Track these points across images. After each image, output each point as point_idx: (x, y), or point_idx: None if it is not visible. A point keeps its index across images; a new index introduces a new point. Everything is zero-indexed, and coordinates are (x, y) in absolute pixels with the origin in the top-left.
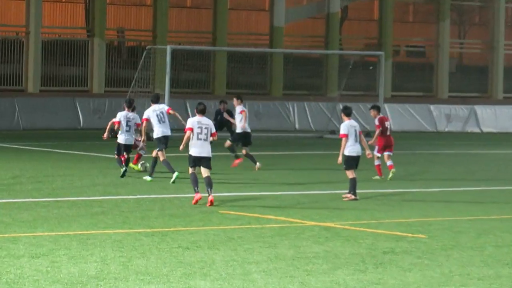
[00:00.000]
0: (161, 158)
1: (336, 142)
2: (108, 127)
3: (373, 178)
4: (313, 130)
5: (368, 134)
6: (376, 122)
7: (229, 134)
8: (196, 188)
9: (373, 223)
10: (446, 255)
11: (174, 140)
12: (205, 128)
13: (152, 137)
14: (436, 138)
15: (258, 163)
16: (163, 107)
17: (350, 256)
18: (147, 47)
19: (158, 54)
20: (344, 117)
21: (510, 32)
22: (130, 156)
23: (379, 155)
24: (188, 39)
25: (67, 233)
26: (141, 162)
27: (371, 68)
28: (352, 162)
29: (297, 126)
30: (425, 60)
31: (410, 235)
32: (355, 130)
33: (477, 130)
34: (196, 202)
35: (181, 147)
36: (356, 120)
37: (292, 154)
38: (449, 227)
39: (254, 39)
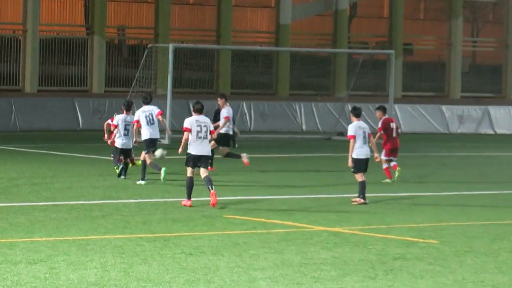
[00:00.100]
0: (148, 161)
1: (344, 144)
2: (105, 128)
3: (382, 181)
4: (320, 131)
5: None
6: (379, 124)
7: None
8: (189, 194)
9: (383, 228)
10: (459, 261)
11: (175, 141)
12: (204, 126)
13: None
14: (448, 140)
15: (244, 155)
16: (153, 109)
17: (359, 262)
18: (148, 46)
19: (160, 52)
20: (353, 118)
21: None
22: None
23: (386, 158)
24: (191, 37)
25: (65, 238)
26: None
27: (358, 64)
28: (360, 165)
29: (304, 127)
30: (437, 59)
31: (421, 240)
32: (364, 132)
33: (490, 131)
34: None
35: (180, 149)
36: (365, 121)
37: (299, 157)
38: (462, 232)
39: (259, 37)
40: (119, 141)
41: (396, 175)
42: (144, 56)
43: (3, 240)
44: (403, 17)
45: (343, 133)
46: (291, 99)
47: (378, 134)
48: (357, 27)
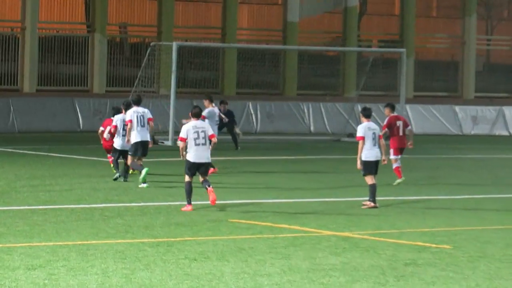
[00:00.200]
0: (128, 162)
1: (354, 146)
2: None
3: (394, 184)
4: (329, 133)
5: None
6: (385, 121)
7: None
8: (188, 199)
9: (394, 233)
10: (472, 267)
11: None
12: (202, 131)
13: (158, 140)
14: (462, 142)
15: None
16: (146, 112)
17: (370, 268)
18: (151, 44)
19: (163, 51)
20: (363, 119)
21: None
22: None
23: (395, 157)
24: (195, 35)
25: (65, 243)
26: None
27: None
28: (370, 167)
29: (312, 128)
30: (450, 58)
31: (433, 245)
32: (374, 133)
33: (505, 133)
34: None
35: (183, 158)
36: (376, 122)
37: (307, 159)
38: (476, 237)
39: (266, 35)
40: (118, 142)
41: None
42: (147, 54)
43: (0, 245)
44: (415, 14)
45: (353, 134)
46: (298, 99)
47: (382, 132)
48: (367, 25)
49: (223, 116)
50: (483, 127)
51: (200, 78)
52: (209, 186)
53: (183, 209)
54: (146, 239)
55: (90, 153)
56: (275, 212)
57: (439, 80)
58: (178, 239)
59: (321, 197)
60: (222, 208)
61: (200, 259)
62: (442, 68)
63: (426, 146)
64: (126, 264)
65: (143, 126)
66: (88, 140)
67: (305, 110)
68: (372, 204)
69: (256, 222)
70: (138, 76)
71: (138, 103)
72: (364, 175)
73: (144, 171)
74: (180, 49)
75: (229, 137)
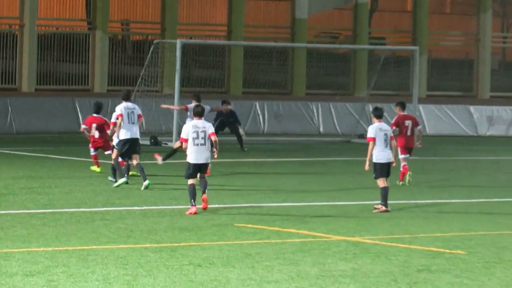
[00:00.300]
0: (113, 156)
1: (365, 147)
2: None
3: (404, 184)
4: (339, 133)
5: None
6: (393, 120)
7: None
8: (193, 200)
9: (407, 238)
10: (488, 273)
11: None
12: (202, 131)
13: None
14: (477, 143)
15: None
16: (136, 108)
17: (381, 274)
18: (154, 41)
19: (167, 49)
20: (374, 119)
21: None
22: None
23: (403, 156)
24: (200, 32)
25: (65, 248)
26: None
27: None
28: (381, 169)
29: (321, 129)
30: (465, 56)
31: (447, 251)
32: (386, 134)
33: None
34: (195, 211)
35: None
36: (387, 122)
37: (316, 161)
38: (492, 242)
39: (273, 33)
40: (115, 140)
41: (408, 180)
42: (150, 52)
43: None
44: (428, 11)
45: (364, 135)
46: (307, 99)
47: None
48: (378, 22)
49: (219, 108)
50: (499, 127)
51: (205, 77)
52: (204, 191)
53: (187, 212)
54: (148, 244)
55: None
56: (283, 216)
57: (453, 79)
58: (182, 244)
59: (331, 201)
60: (228, 212)
61: (205, 265)
62: (456, 66)
63: (439, 148)
64: (128, 270)
65: (133, 123)
66: (88, 142)
67: (314, 110)
68: (384, 208)
69: (263, 227)
70: (141, 75)
71: (127, 98)
72: (376, 177)
73: (122, 181)
74: (184, 47)
75: (233, 138)
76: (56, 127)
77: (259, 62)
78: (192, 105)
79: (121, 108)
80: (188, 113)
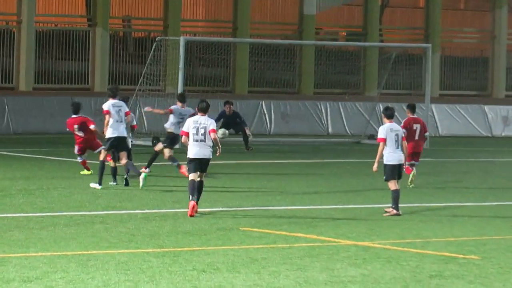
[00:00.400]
0: (101, 157)
1: (375, 149)
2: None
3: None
4: (349, 134)
5: None
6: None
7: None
8: (191, 196)
9: (419, 242)
10: (502, 279)
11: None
12: (202, 128)
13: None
14: (491, 144)
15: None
16: (124, 106)
17: (392, 280)
18: (157, 39)
19: (170, 46)
20: (385, 120)
21: None
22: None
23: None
24: (204, 30)
25: (64, 253)
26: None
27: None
28: (392, 171)
29: (330, 130)
30: (479, 53)
31: (461, 256)
32: (397, 135)
33: None
34: (192, 211)
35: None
36: (399, 123)
37: (325, 162)
38: (507, 247)
39: (281, 29)
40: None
41: (410, 180)
42: (152, 50)
43: None
44: (441, 7)
45: (374, 136)
46: (316, 98)
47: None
48: (390, 19)
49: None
50: None
51: (210, 75)
52: (197, 198)
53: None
54: (150, 249)
55: (91, 156)
56: (290, 219)
57: (467, 78)
58: (185, 248)
59: (340, 204)
60: (233, 215)
61: (209, 271)
62: (471, 64)
63: (453, 149)
64: (129, 276)
65: (120, 121)
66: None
67: (323, 110)
68: (395, 211)
69: (270, 231)
70: (143, 73)
71: (114, 95)
72: (387, 180)
73: (99, 187)
74: (188, 44)
75: (237, 139)
76: (54, 127)
77: (266, 60)
78: (177, 106)
79: (108, 105)
80: (172, 115)
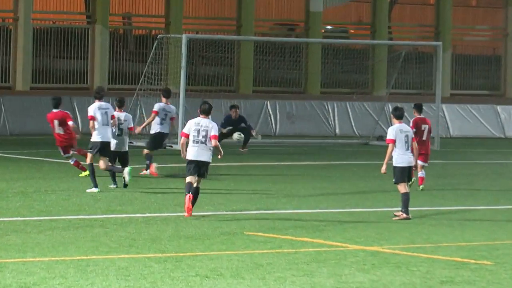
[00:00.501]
0: (87, 161)
1: (384, 150)
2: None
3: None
4: (356, 135)
5: None
6: (410, 124)
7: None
8: (187, 191)
9: (429, 247)
10: None
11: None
12: (203, 130)
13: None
14: (504, 145)
15: (154, 164)
16: (110, 109)
17: (401, 286)
18: (158, 36)
19: (171, 44)
20: (394, 120)
21: None
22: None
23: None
24: (207, 27)
25: (62, 258)
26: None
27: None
28: (402, 174)
29: (337, 130)
30: (492, 52)
31: (473, 261)
32: (406, 136)
33: None
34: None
35: (183, 154)
36: (408, 124)
37: (332, 164)
38: None
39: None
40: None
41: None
42: (153, 48)
43: None
44: (452, 4)
45: (383, 137)
46: (322, 98)
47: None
48: (399, 16)
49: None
50: None
51: (213, 74)
52: (193, 204)
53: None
54: (152, 254)
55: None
56: (296, 223)
57: (479, 77)
58: (188, 254)
59: (347, 207)
60: (237, 219)
61: (212, 277)
62: (483, 63)
63: (464, 150)
64: (129, 281)
65: (106, 124)
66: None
67: (330, 110)
68: (405, 215)
69: (275, 235)
70: (144, 72)
71: (100, 97)
72: (396, 183)
73: (95, 190)
74: (190, 42)
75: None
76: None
77: (271, 59)
78: (161, 104)
79: (94, 109)
80: (157, 117)
